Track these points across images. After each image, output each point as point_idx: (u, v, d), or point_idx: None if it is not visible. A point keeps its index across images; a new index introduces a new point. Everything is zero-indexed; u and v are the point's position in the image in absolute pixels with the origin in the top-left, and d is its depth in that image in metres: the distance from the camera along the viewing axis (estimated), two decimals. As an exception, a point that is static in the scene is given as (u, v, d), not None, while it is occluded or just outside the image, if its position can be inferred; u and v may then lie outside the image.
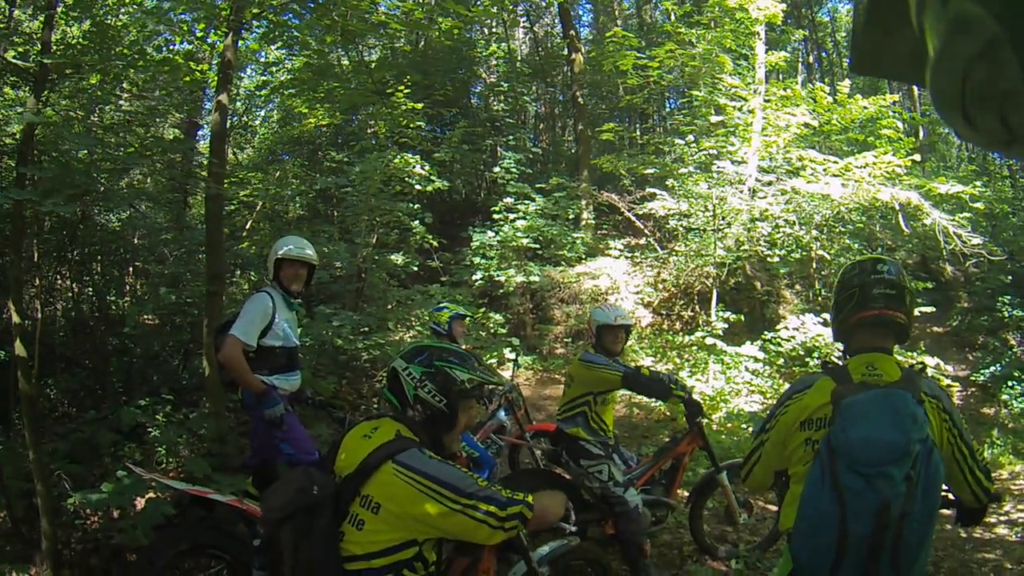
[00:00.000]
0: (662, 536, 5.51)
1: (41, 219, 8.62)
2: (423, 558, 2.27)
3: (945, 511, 2.42)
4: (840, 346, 2.59)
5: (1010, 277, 13.34)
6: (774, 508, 5.92)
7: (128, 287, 12.35)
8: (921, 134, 17.67)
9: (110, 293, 11.61)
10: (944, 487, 2.24)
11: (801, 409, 2.32)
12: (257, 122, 18.53)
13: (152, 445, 6.86)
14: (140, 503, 5.07)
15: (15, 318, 5.34)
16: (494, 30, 19.12)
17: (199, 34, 8.04)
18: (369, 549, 2.21)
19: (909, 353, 10.07)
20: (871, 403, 2.08)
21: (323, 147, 16.42)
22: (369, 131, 13.77)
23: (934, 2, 0.61)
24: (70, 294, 10.93)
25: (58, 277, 10.64)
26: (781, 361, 10.40)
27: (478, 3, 14.73)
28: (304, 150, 17.09)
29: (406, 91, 12.07)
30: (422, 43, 16.53)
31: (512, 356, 9.19)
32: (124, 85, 7.95)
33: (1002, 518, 6.34)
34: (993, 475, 2.46)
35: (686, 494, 5.52)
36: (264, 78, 16.20)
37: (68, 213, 5.95)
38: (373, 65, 15.13)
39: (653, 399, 8.02)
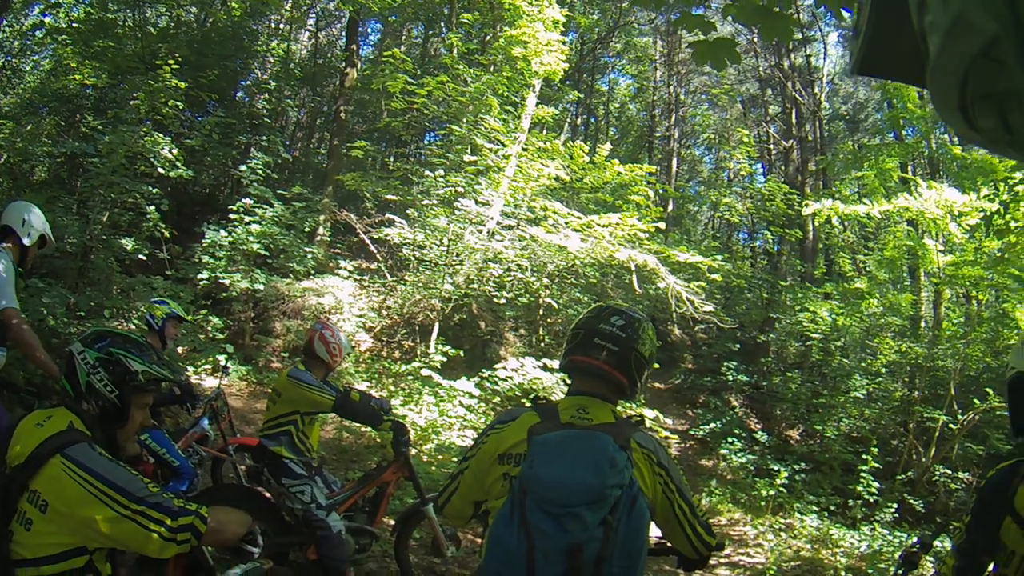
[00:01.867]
0: (367, 564, 5.39)
1: None
2: (95, 569, 2.09)
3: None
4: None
5: (738, 345, 14.63)
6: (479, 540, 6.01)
7: None
8: (671, 207, 19.05)
9: None
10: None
11: (500, 441, 2.20)
12: (28, 67, 16.95)
13: None
14: None
15: None
16: (280, 26, 18.67)
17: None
18: (37, 553, 2.01)
19: (628, 404, 10.68)
20: (565, 442, 1.99)
21: (84, 110, 15.26)
22: (132, 102, 12.94)
23: (934, 2, 0.59)
24: None
25: None
26: (497, 399, 10.69)
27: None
28: (65, 109, 15.78)
29: (174, 67, 11.47)
30: (209, 22, 15.81)
31: (224, 363, 8.90)
32: None
33: (723, 560, 6.76)
34: (712, 520, 2.48)
35: (392, 523, 5.43)
36: (45, 20, 14.95)
37: None
38: (154, 32, 14.36)
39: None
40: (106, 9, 13.49)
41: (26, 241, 4.18)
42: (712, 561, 6.58)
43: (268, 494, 4.76)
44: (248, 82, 17.10)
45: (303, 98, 18.75)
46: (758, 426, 12.86)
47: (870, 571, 6.60)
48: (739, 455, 10.81)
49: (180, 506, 2.15)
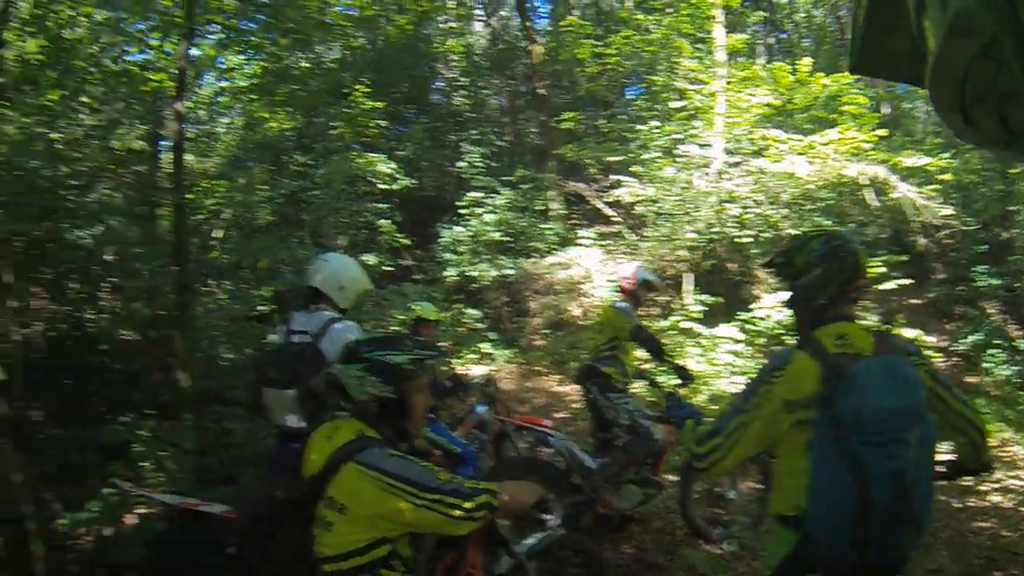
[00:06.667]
0: (654, 522, 5.46)
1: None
2: (399, 555, 2.24)
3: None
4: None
5: (985, 246, 13.44)
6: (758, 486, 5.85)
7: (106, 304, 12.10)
8: (886, 109, 17.74)
9: (86, 311, 11.36)
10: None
11: (784, 389, 2.21)
12: (221, 130, 18.24)
13: (136, 462, 6.71)
14: (133, 520, 4.95)
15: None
16: (450, 25, 19.01)
17: (154, 43, 7.93)
18: (340, 550, 2.17)
19: (886, 326, 10.06)
20: (872, 372, 2.05)
21: (287, 151, 16.22)
22: (331, 133, 13.63)
23: (934, 2, 0.60)
24: (47, 314, 10.69)
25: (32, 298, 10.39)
26: (762, 340, 10.36)
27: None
28: (269, 155, 16.84)
29: (365, 90, 11.97)
30: (380, 41, 16.36)
31: (489, 351, 9.05)
32: (84, 99, 7.74)
33: (995, 486, 6.30)
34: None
35: (673, 479, 5.47)
36: (224, 84, 15.98)
37: (38, 232, 5.77)
38: (332, 66, 15.04)
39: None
40: (279, 59, 14.20)
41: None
42: (984, 487, 6.10)
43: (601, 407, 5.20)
44: (440, 84, 17.61)
45: (498, 85, 19.06)
46: (1019, 333, 11.79)
47: None
48: (1003, 367, 10.06)
49: (472, 487, 2.24)
